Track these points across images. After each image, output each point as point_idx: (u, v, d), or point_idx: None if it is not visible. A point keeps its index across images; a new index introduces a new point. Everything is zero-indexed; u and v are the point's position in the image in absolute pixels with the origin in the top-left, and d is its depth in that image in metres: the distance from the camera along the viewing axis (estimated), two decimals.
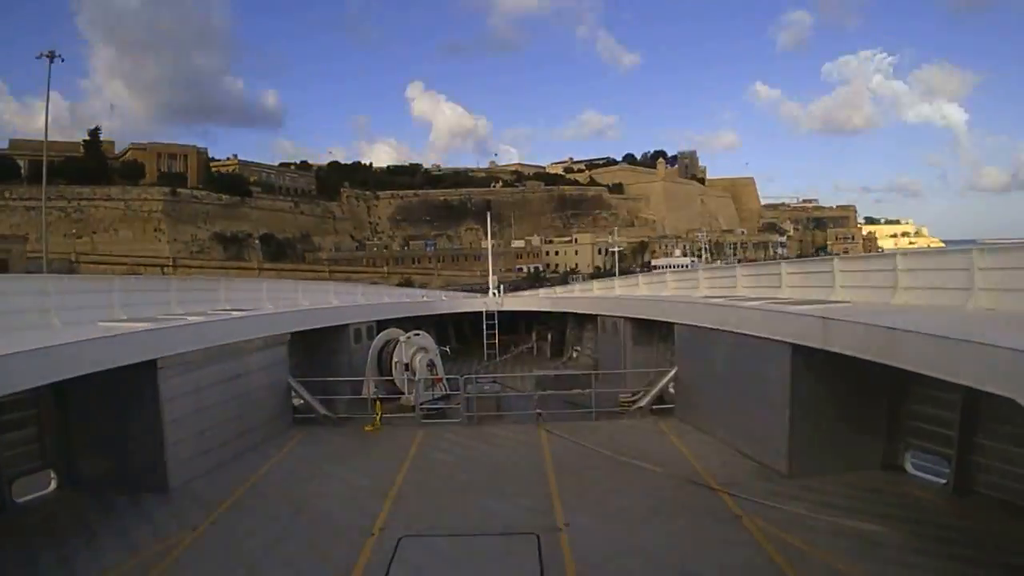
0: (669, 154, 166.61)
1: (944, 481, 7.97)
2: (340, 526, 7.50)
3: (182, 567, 6.56)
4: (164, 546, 6.96)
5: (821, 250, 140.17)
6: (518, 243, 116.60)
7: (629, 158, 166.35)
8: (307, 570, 6.44)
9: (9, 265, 61.36)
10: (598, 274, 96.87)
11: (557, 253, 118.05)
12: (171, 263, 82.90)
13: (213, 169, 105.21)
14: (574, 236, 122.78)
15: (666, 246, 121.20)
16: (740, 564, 6.31)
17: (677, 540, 6.87)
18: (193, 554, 6.85)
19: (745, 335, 9.66)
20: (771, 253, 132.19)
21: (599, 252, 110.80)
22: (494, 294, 23.14)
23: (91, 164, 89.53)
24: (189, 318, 10.44)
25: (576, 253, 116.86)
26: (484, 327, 20.97)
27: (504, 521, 7.52)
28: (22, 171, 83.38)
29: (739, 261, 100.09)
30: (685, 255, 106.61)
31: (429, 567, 6.47)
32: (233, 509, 8.15)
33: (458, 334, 23.60)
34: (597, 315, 17.58)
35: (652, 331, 14.19)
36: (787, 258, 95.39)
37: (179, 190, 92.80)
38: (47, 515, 8.08)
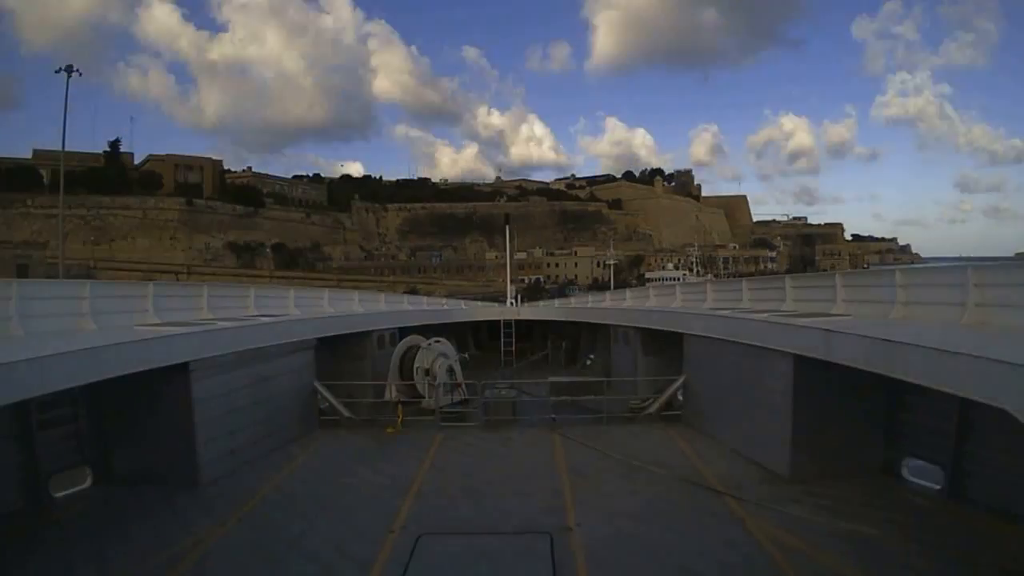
0: (667, 172, 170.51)
1: (939, 487, 8.09)
2: (362, 524, 7.61)
3: (211, 560, 6.71)
4: (194, 540, 7.11)
5: (809, 265, 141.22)
6: (520, 255, 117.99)
7: (628, 175, 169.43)
8: (330, 565, 6.55)
9: (29, 270, 62.77)
10: (596, 286, 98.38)
11: (557, 265, 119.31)
12: (185, 271, 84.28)
13: (228, 180, 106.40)
14: (574, 249, 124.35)
15: (660, 260, 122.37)
16: (743, 564, 6.46)
17: (683, 540, 7.04)
18: (222, 548, 7.00)
19: (750, 346, 9.87)
20: (761, 268, 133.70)
21: (597, 265, 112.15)
22: (511, 303, 23.77)
23: (111, 174, 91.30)
24: (220, 323, 10.67)
25: (576, 265, 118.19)
26: (501, 335, 21.46)
27: (518, 521, 7.66)
28: (44, 180, 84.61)
29: (731, 275, 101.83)
30: (677, 268, 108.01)
31: (446, 564, 6.64)
32: (260, 506, 8.29)
33: (476, 341, 23.99)
34: (609, 325, 17.98)
35: (662, 341, 14.27)
36: (776, 272, 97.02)
37: (195, 200, 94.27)
38: (83, 509, 8.25)
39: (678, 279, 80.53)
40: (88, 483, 8.90)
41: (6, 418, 7.86)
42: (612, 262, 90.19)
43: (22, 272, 60.52)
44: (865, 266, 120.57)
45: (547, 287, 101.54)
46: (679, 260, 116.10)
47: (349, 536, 7.23)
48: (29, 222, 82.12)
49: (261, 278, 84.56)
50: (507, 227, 34.20)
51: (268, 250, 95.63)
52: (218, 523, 7.60)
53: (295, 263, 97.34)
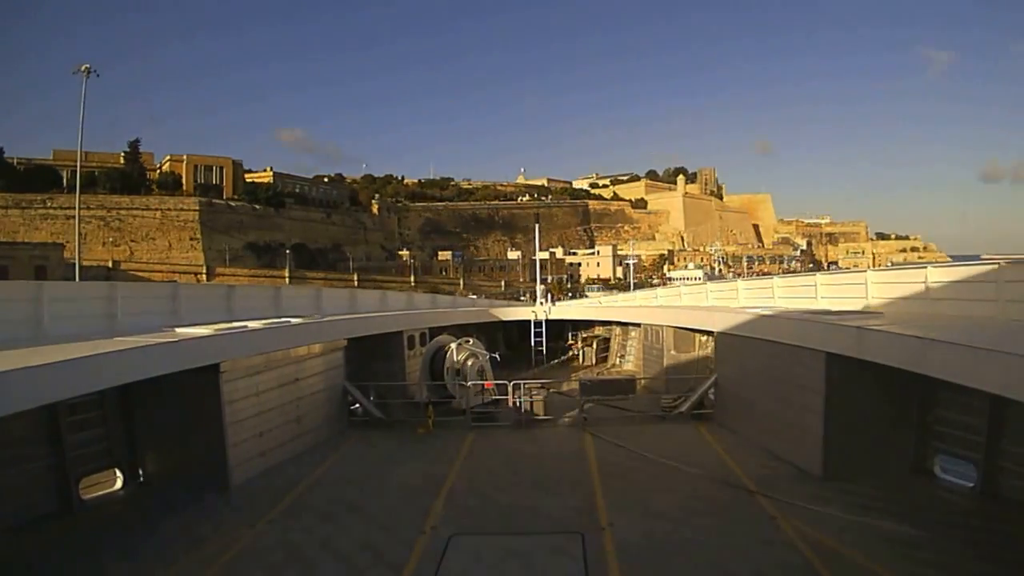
0: (689, 171, 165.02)
1: (972, 484, 7.92)
2: (393, 524, 7.45)
3: (242, 562, 6.51)
4: (225, 542, 6.96)
5: (832, 265, 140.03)
6: (542, 255, 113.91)
7: (651, 174, 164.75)
8: (361, 567, 6.34)
9: (47, 271, 59.99)
10: (618, 285, 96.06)
11: (580, 264, 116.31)
12: (205, 271, 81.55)
13: (248, 180, 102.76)
14: (597, 248, 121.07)
15: (683, 259, 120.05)
16: (776, 564, 6.21)
17: (715, 540, 6.80)
18: (252, 550, 6.81)
19: (782, 344, 9.62)
20: (784, 267, 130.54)
21: (620, 264, 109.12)
22: (542, 303, 22.51)
23: (131, 175, 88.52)
24: (251, 325, 10.27)
25: (598, 265, 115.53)
26: (532, 334, 20.84)
27: (550, 520, 7.49)
28: (64, 180, 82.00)
29: (758, 275, 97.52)
30: (700, 268, 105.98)
31: (478, 564, 6.37)
32: (291, 507, 8.11)
33: (507, 341, 23.06)
34: (640, 323, 17.72)
35: (693, 339, 14.22)
36: (798, 272, 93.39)
37: (214, 200, 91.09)
38: (113, 512, 8.18)
39: (699, 278, 78.69)
40: (118, 485, 8.84)
41: (36, 421, 7.83)
42: (632, 261, 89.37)
43: (40, 273, 58.54)
44: (889, 264, 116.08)
45: (569, 286, 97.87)
46: (702, 260, 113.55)
47: (381, 537, 7.07)
48: (49, 223, 79.46)
49: (280, 279, 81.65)
50: (536, 227, 33.45)
51: (288, 251, 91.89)
52: (248, 525, 7.46)
53: (316, 263, 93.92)
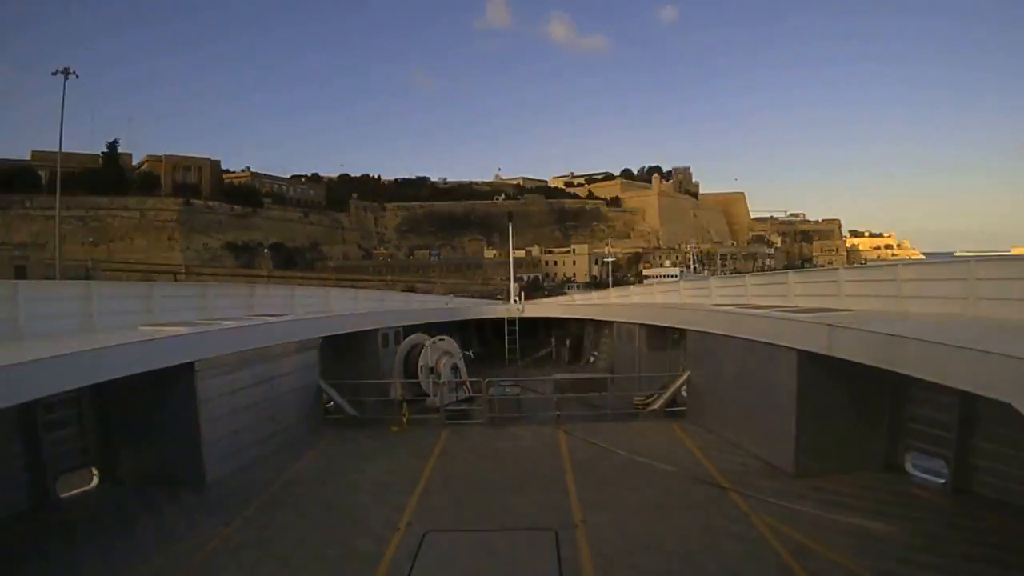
0: (664, 169, 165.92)
1: (943, 481, 7.97)
2: (368, 521, 7.42)
3: (217, 560, 6.51)
4: (200, 540, 6.94)
5: (806, 262, 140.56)
6: (519, 253, 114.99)
7: (626, 173, 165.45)
8: (336, 564, 6.39)
9: (27, 271, 60.77)
10: (594, 283, 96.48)
11: (556, 263, 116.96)
12: (184, 271, 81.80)
13: (226, 180, 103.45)
14: (572, 247, 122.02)
15: (659, 257, 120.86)
16: (749, 559, 6.28)
17: (688, 536, 6.83)
18: (227, 547, 6.81)
19: (754, 341, 9.63)
20: (759, 265, 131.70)
21: (596, 262, 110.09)
22: (515, 301, 22.80)
23: (109, 175, 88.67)
24: (225, 323, 10.39)
25: (574, 263, 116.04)
26: (506, 332, 20.92)
27: (524, 517, 7.46)
28: (42, 181, 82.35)
29: (731, 272, 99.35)
30: (675, 266, 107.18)
31: (452, 561, 6.45)
32: (266, 505, 8.09)
33: (481, 339, 23.23)
34: (614, 322, 17.55)
35: (666, 337, 14.16)
36: (774, 270, 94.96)
37: (193, 201, 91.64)
38: (89, 509, 8.08)
39: (675, 276, 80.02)
40: (94, 483, 8.79)
41: (12, 419, 7.79)
42: (610, 260, 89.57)
43: (20, 273, 58.81)
44: (863, 262, 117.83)
45: (545, 285, 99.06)
46: (677, 257, 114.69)
47: (355, 534, 7.06)
48: (28, 223, 79.72)
49: (259, 278, 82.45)
50: (510, 226, 33.20)
51: (266, 250, 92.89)
52: (224, 522, 7.42)
53: (294, 263, 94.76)
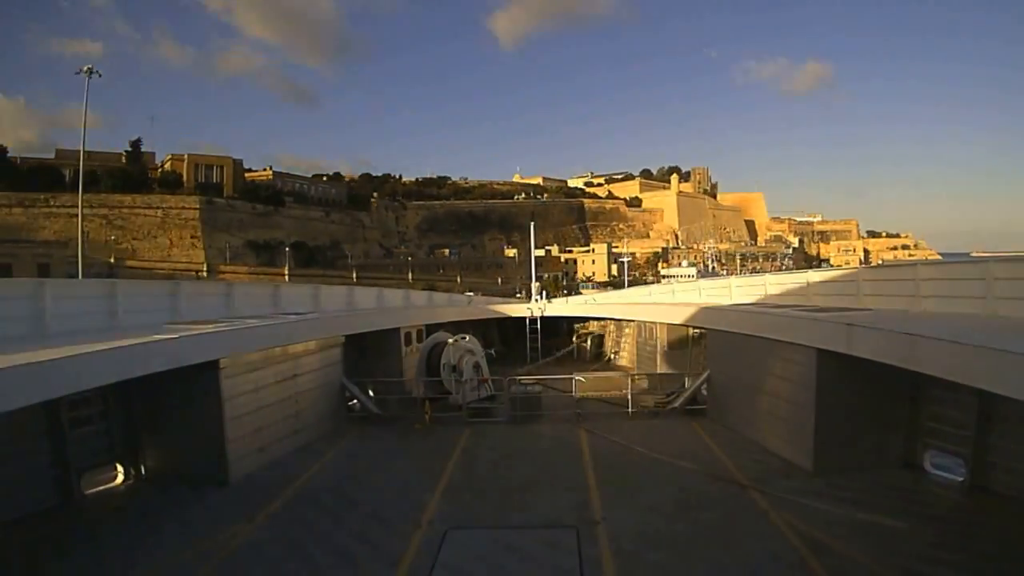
0: (684, 169, 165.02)
1: (961, 479, 7.92)
2: (390, 519, 7.44)
3: (240, 556, 6.50)
4: (224, 536, 6.96)
5: (824, 262, 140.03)
6: (538, 252, 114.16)
7: (645, 173, 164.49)
8: (358, 561, 6.38)
9: (50, 270, 60.39)
10: (613, 282, 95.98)
11: (575, 262, 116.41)
12: (206, 269, 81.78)
13: (248, 179, 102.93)
14: (592, 246, 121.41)
15: (677, 257, 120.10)
16: (767, 557, 6.24)
17: (708, 533, 6.82)
18: (251, 544, 6.81)
19: (774, 340, 9.58)
20: (777, 264, 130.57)
21: (615, 262, 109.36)
22: (537, 300, 22.62)
23: (132, 173, 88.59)
24: (250, 321, 10.33)
25: (593, 262, 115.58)
26: (527, 331, 20.94)
27: (545, 515, 7.48)
28: (66, 179, 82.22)
29: (750, 272, 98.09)
30: (693, 265, 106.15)
31: (474, 558, 6.40)
32: (289, 502, 8.10)
33: (502, 337, 23.10)
34: (635, 320, 17.67)
35: (686, 335, 14.18)
36: (792, 269, 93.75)
37: (215, 199, 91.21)
38: (113, 506, 8.11)
39: (692, 276, 79.05)
40: (119, 480, 8.80)
41: (38, 416, 7.81)
42: (626, 259, 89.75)
43: (43, 272, 58.58)
44: (880, 262, 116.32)
45: (565, 284, 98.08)
46: (695, 257, 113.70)
47: (378, 531, 7.10)
48: (52, 221, 79.84)
49: (281, 276, 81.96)
50: (532, 225, 33.66)
51: (287, 249, 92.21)
52: (247, 520, 7.44)
53: (315, 261, 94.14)
